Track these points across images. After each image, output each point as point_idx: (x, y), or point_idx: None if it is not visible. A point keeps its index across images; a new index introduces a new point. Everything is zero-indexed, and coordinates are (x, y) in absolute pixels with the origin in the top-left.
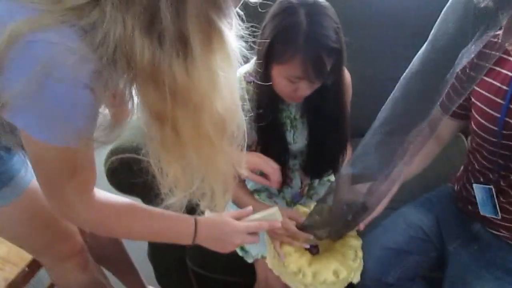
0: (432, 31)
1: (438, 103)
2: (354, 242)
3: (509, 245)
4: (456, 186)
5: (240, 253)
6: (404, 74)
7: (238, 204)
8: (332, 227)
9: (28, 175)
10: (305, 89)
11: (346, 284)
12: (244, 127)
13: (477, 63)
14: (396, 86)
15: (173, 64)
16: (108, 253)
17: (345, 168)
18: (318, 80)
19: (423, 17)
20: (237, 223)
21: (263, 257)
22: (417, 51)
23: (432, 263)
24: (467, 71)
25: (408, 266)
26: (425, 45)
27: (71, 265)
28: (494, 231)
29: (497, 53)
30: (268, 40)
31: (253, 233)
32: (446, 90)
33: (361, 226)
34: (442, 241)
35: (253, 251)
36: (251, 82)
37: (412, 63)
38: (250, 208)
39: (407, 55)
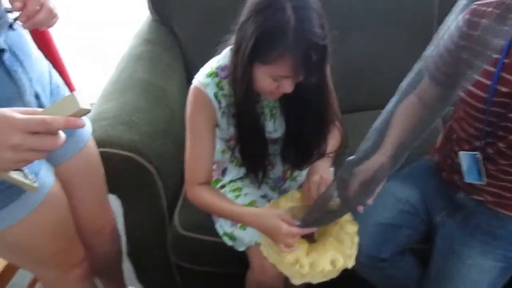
0: None
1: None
2: (351, 228)
3: (492, 210)
4: (437, 157)
5: (230, 243)
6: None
7: (225, 216)
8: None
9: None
10: (288, 86)
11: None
12: None
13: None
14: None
15: None
16: (110, 265)
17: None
18: (303, 77)
19: None
20: (12, 120)
21: (257, 244)
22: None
23: (421, 236)
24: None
25: (400, 240)
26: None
27: (73, 276)
28: (477, 197)
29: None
30: (252, 39)
31: (52, 134)
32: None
33: (360, 208)
34: (428, 213)
35: (245, 239)
36: (225, 77)
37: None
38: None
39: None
